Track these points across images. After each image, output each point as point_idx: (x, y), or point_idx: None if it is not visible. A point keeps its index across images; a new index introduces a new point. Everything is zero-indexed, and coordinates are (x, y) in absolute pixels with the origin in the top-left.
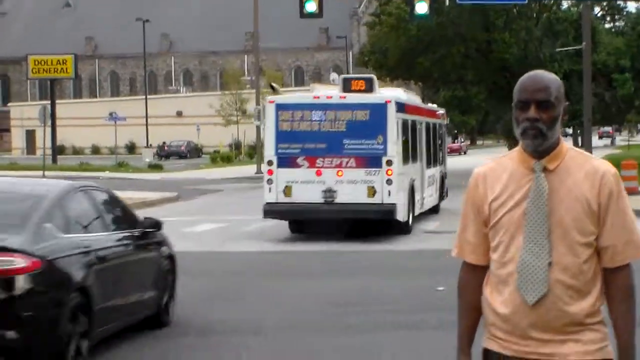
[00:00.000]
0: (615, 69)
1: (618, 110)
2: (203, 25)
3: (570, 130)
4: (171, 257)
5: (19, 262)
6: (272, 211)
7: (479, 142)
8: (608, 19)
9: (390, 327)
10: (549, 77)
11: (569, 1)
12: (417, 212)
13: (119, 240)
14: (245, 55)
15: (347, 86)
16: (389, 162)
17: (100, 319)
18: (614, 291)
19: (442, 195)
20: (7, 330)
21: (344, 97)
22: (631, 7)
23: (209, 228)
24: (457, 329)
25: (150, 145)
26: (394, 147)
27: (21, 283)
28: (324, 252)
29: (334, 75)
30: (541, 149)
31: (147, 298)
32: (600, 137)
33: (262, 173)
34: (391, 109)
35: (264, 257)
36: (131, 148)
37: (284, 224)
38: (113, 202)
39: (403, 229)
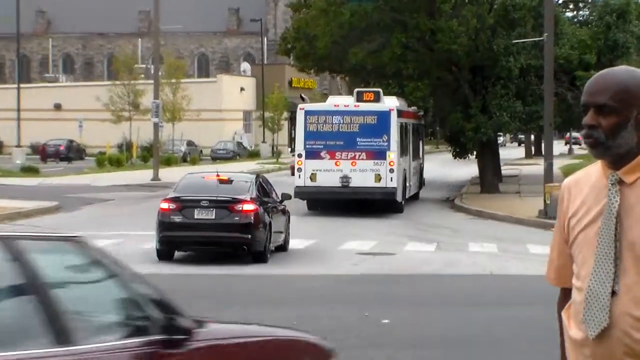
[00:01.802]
0: (579, 65)
1: (581, 113)
2: (88, 2)
3: (522, 136)
4: (289, 216)
5: (251, 207)
6: (301, 192)
7: None
8: (571, 6)
9: None
10: (617, 76)
11: None
12: (407, 195)
13: (274, 202)
14: (139, 39)
15: (360, 97)
16: (391, 156)
17: (272, 237)
18: None
19: (421, 185)
20: (247, 235)
21: (358, 106)
22: None
23: (98, 245)
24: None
25: (42, 143)
26: (395, 144)
27: (252, 216)
28: (246, 276)
29: (245, 65)
30: (608, 159)
31: (281, 234)
32: (567, 144)
33: (159, 180)
34: (394, 115)
35: (178, 281)
36: None
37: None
38: (269, 183)
39: (398, 207)
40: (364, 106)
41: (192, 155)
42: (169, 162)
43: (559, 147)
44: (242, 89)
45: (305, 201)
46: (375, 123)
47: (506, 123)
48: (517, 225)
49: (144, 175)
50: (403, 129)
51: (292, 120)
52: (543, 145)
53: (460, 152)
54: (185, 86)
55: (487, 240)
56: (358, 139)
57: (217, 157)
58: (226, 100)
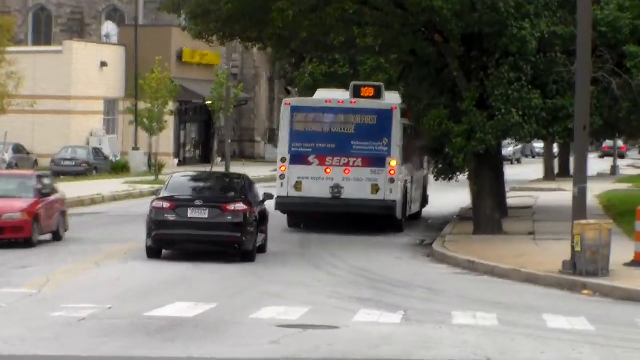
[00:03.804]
0: (631, 36)
1: (633, 110)
2: None
3: (540, 145)
4: (268, 217)
5: (243, 207)
6: (283, 204)
7: None
8: None
9: None
10: None
11: None
12: (407, 212)
13: (257, 202)
14: None
15: (357, 92)
16: (392, 163)
17: (258, 236)
18: None
19: (424, 202)
20: (238, 234)
21: (354, 102)
22: None
23: None
24: None
25: None
26: (396, 150)
27: (244, 215)
28: None
29: (109, 27)
30: None
31: (262, 234)
32: (603, 157)
33: None
34: (396, 115)
35: None
36: None
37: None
38: (252, 182)
39: (398, 226)
40: (361, 103)
41: (21, 168)
42: None
43: (596, 163)
44: (103, 65)
45: (286, 215)
46: (374, 123)
47: (516, 125)
48: (528, 285)
49: None
50: (406, 132)
51: (182, 115)
52: (572, 160)
53: (443, 170)
54: (13, 58)
55: (482, 308)
56: (353, 142)
57: (62, 170)
58: (78, 82)
